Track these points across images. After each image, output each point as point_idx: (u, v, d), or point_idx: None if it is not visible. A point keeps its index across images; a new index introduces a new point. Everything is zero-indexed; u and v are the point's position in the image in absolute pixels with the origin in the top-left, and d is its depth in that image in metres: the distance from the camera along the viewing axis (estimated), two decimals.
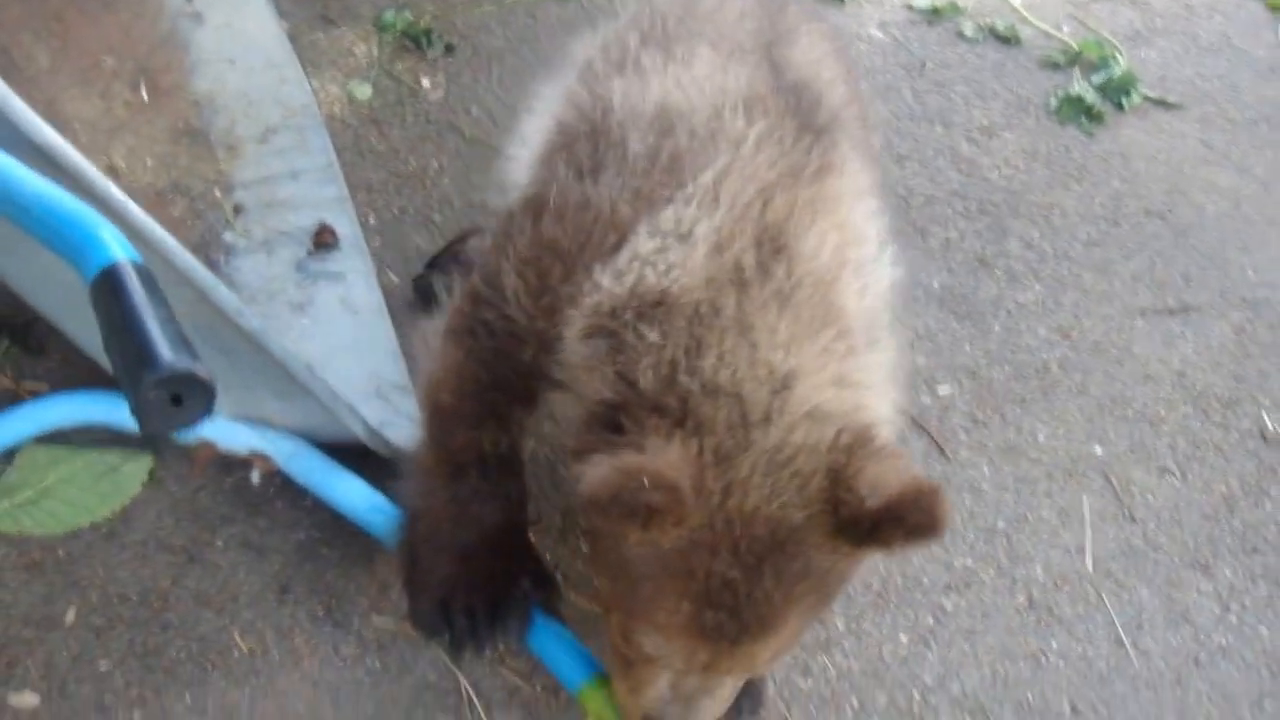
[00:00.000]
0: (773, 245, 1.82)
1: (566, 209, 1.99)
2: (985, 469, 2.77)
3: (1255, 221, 3.36)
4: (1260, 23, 4.17)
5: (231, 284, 2.81)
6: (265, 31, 3.39)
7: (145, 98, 3.14)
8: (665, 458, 1.66)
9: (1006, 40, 3.89)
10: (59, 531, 2.47)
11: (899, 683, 2.42)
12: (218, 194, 3.05)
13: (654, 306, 1.80)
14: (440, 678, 2.38)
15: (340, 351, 2.75)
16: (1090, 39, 3.90)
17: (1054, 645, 2.50)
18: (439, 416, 2.18)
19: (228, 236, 2.99)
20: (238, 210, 3.04)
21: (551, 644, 2.25)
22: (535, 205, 2.06)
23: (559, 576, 2.41)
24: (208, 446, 2.52)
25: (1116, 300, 3.13)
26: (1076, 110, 3.62)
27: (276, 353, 2.12)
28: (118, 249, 1.39)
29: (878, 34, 3.87)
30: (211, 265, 2.86)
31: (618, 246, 1.88)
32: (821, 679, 2.41)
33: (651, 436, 1.71)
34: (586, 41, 2.46)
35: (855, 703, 2.39)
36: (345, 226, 3.02)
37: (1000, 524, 2.68)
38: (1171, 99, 3.71)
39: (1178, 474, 2.79)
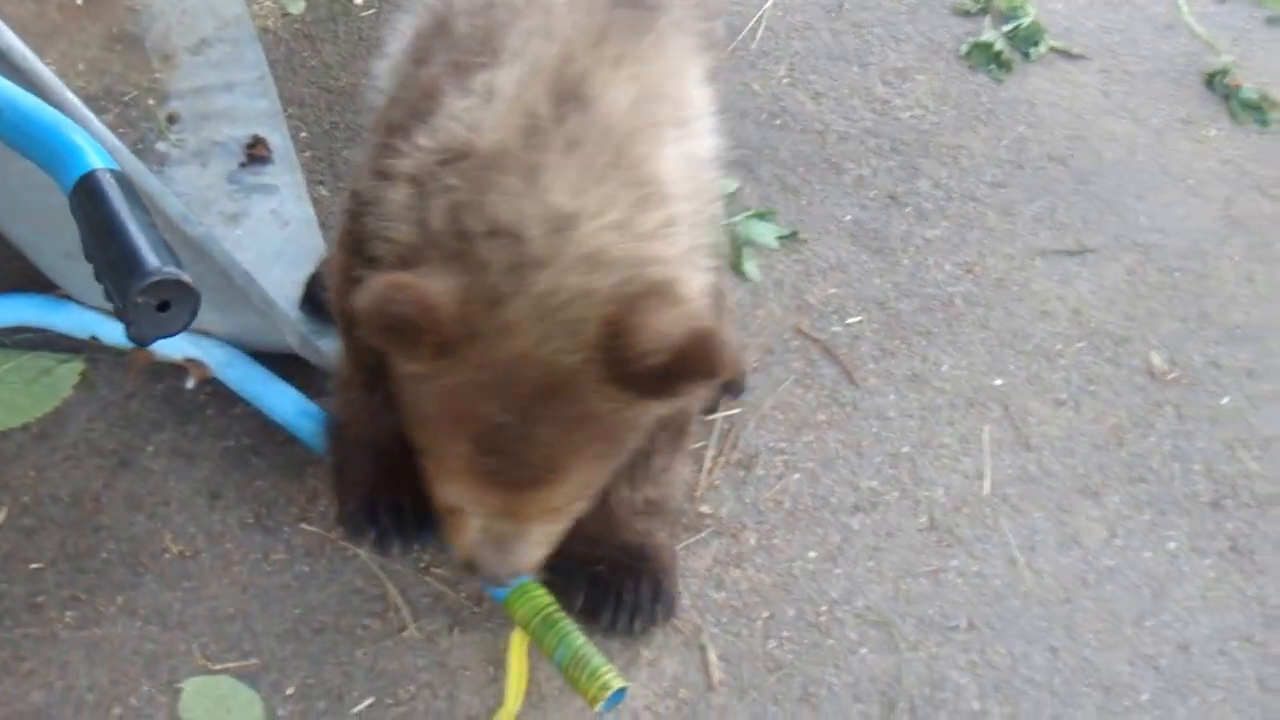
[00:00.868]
0: (571, 96, 1.79)
1: (401, 93, 2.04)
2: (892, 396, 2.87)
3: (1149, 169, 3.48)
4: None
5: None
6: None
7: (79, 1, 3.09)
8: (432, 283, 1.68)
9: None
10: None
11: (808, 596, 2.51)
12: (151, 103, 3.02)
13: (459, 159, 1.79)
14: (367, 583, 2.44)
15: (272, 262, 2.77)
16: None
17: (953, 564, 2.61)
18: (342, 323, 2.21)
19: (161, 146, 2.97)
20: (172, 120, 3.02)
21: None
22: (385, 101, 2.12)
23: None
24: (143, 353, 2.51)
25: (1018, 240, 3.24)
26: (986, 57, 3.72)
27: (220, 259, 2.15)
28: (95, 157, 1.41)
29: None
30: None
31: (435, 112, 1.88)
32: (734, 591, 2.51)
33: (428, 268, 1.72)
34: None
35: (765, 614, 2.48)
36: (278, 140, 3.02)
37: (905, 449, 2.79)
38: (1075, 50, 3.81)
39: (1071, 406, 2.91)
